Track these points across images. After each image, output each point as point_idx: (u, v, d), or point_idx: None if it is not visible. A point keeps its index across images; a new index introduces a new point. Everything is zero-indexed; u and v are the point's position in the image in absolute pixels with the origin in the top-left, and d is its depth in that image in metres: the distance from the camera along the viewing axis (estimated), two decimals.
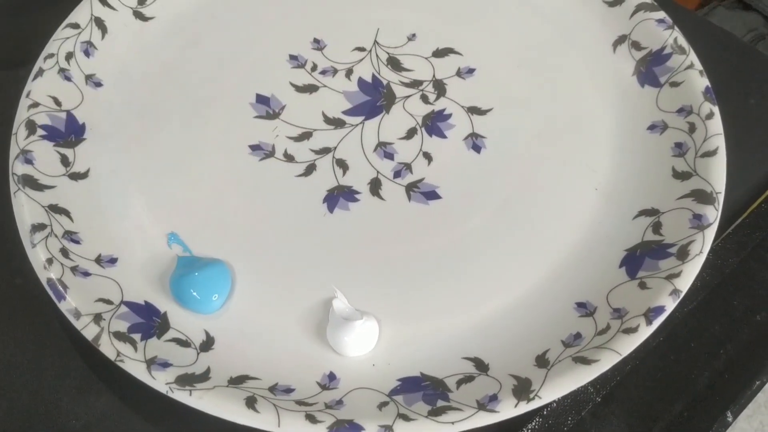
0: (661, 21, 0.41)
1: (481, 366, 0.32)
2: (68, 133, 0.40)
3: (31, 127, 0.39)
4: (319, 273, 0.35)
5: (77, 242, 0.36)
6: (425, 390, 0.31)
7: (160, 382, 0.30)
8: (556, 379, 0.30)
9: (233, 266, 0.36)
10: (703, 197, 0.35)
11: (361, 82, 0.42)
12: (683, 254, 0.33)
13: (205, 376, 0.31)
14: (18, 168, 0.37)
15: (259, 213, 0.38)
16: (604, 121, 0.40)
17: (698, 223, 0.34)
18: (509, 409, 0.29)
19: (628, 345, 0.31)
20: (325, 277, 0.35)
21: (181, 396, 0.30)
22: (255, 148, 0.40)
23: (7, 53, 0.47)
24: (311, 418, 0.29)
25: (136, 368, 0.31)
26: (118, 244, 0.36)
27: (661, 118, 0.39)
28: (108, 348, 0.31)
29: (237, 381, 0.31)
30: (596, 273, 0.35)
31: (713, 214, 0.34)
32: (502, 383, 0.31)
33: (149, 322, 0.33)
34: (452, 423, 0.29)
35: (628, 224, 0.36)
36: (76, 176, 0.38)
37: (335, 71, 0.43)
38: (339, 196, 0.38)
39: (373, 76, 0.43)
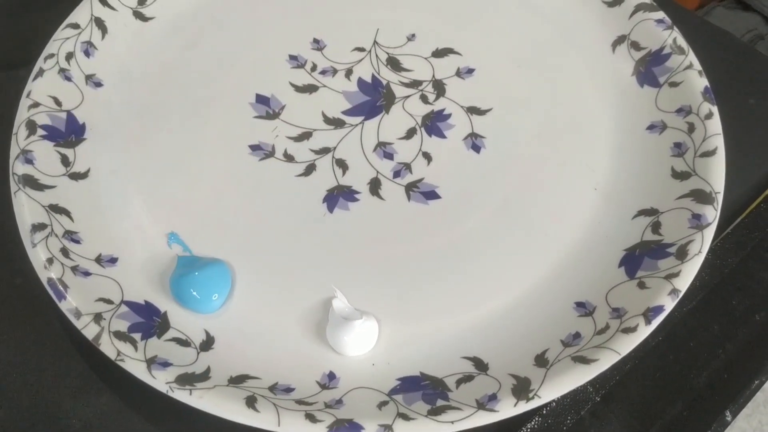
0: (660, 21, 0.42)
1: (481, 365, 0.32)
2: (68, 133, 0.40)
3: (32, 127, 0.39)
4: (319, 273, 0.36)
5: (77, 242, 0.36)
6: (425, 389, 0.31)
7: (160, 381, 0.30)
8: (556, 378, 0.30)
9: (233, 266, 0.36)
10: (702, 197, 0.35)
11: (361, 82, 0.42)
12: (682, 254, 0.33)
13: (205, 376, 0.31)
14: (18, 168, 0.37)
15: (259, 213, 0.38)
16: (603, 121, 0.40)
17: (697, 222, 0.34)
18: (509, 409, 0.29)
19: (627, 344, 0.31)
20: (325, 277, 0.35)
21: (181, 395, 0.30)
22: (255, 148, 0.40)
23: (8, 53, 0.47)
24: (311, 418, 0.29)
25: (136, 368, 0.31)
26: (118, 244, 0.36)
27: (661, 118, 0.39)
28: (108, 347, 0.31)
29: (237, 380, 0.31)
30: (595, 273, 0.35)
31: (712, 214, 0.34)
32: (502, 383, 0.31)
33: (149, 321, 0.33)
34: (452, 422, 0.29)
35: (627, 224, 0.36)
36: (76, 176, 0.39)
37: (335, 71, 0.43)
38: (339, 196, 0.38)
39: (373, 76, 0.43)
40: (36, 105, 0.39)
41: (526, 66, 0.43)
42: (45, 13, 0.47)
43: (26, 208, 0.36)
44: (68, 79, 0.41)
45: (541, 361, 0.31)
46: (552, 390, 0.30)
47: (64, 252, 0.35)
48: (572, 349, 0.31)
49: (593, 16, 0.44)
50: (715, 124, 0.37)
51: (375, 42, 0.44)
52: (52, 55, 0.41)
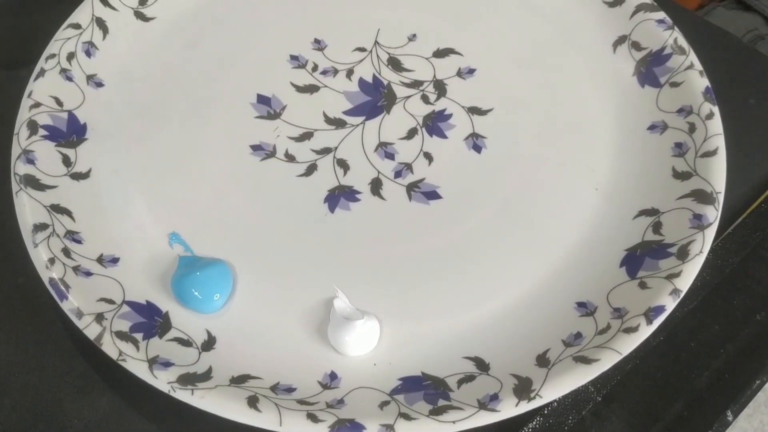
0: (661, 21, 0.42)
1: (482, 365, 0.32)
2: (70, 133, 0.40)
3: (33, 127, 0.39)
4: (321, 273, 0.36)
5: (79, 242, 0.36)
6: (426, 389, 0.31)
7: (162, 381, 0.30)
8: (557, 378, 0.30)
9: (234, 266, 0.36)
10: (703, 197, 0.35)
11: (362, 83, 0.43)
12: (683, 254, 0.33)
13: (206, 376, 0.31)
14: (20, 168, 0.37)
15: (261, 213, 0.38)
16: (604, 121, 0.40)
17: (698, 222, 0.34)
18: (510, 409, 0.29)
19: (628, 344, 0.31)
20: (327, 277, 0.35)
21: (183, 395, 0.30)
22: (256, 148, 0.40)
23: (9, 53, 0.47)
24: (313, 418, 0.29)
25: (138, 368, 0.31)
26: (119, 244, 0.36)
27: (661, 118, 0.39)
28: (110, 347, 0.31)
29: (239, 380, 0.31)
30: (596, 273, 0.35)
31: (713, 214, 0.34)
32: (503, 382, 0.31)
33: (151, 321, 0.33)
34: (453, 422, 0.29)
35: (628, 224, 0.36)
36: (77, 176, 0.39)
37: (336, 71, 0.43)
38: (340, 196, 0.38)
39: (374, 76, 0.43)
40: (37, 105, 0.40)
41: (526, 66, 0.43)
42: (46, 13, 0.47)
43: (28, 208, 0.36)
44: (69, 79, 0.41)
45: (542, 361, 0.31)
46: (553, 390, 0.30)
47: (66, 252, 0.35)
48: (573, 349, 0.31)
49: (594, 17, 0.44)
50: (716, 125, 0.37)
51: (376, 42, 0.44)
52: (53, 56, 0.41)
